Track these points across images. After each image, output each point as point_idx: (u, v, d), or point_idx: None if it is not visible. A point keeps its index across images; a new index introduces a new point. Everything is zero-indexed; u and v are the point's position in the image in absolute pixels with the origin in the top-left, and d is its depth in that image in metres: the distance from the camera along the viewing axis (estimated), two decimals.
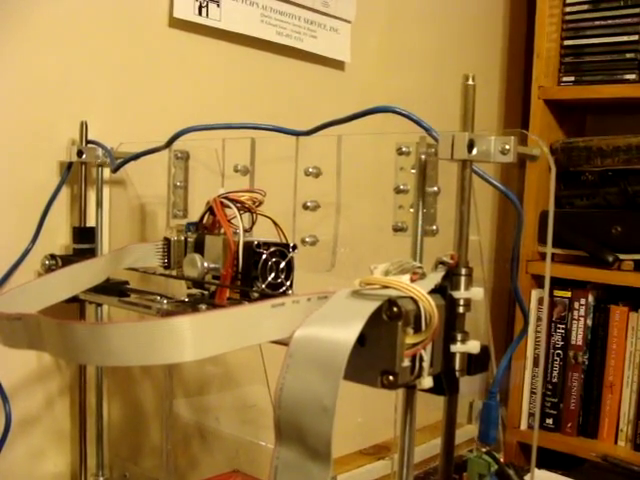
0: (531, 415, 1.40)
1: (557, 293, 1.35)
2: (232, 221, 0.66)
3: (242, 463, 0.94)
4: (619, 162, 1.27)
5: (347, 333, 0.40)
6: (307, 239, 0.69)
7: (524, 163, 1.34)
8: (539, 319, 1.38)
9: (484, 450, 0.64)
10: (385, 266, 0.46)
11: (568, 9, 1.37)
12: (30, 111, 0.79)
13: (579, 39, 1.36)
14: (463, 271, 0.48)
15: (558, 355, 1.36)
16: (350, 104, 1.14)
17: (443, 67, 1.34)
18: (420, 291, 0.43)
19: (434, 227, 0.55)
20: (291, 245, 0.65)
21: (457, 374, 0.47)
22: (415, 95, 1.28)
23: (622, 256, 1.28)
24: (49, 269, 0.78)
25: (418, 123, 0.54)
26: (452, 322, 0.47)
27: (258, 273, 0.62)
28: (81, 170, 0.82)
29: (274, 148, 0.73)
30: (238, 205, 0.66)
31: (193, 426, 0.96)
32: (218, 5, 0.95)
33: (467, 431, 0.96)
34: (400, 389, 0.46)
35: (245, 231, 0.65)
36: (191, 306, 0.63)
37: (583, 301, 1.33)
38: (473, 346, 0.47)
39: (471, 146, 0.48)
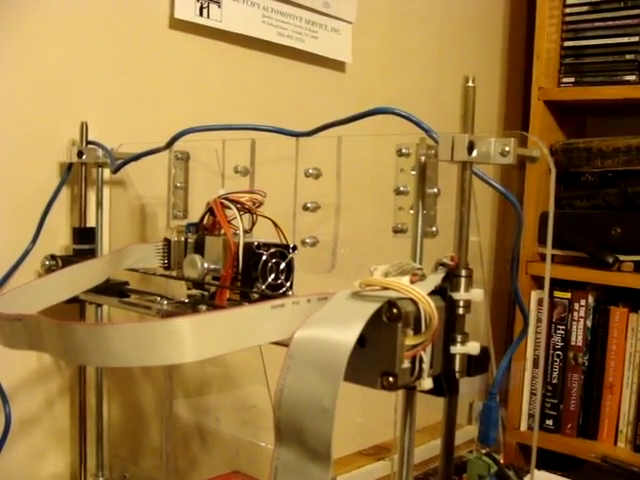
0: (531, 416, 1.40)
1: (557, 294, 1.35)
2: (232, 222, 0.66)
3: (242, 464, 0.94)
4: (619, 163, 1.27)
5: (347, 334, 0.40)
6: (307, 240, 0.69)
7: (524, 164, 1.34)
8: (539, 320, 1.38)
9: (484, 451, 0.64)
10: (385, 267, 0.46)
11: (568, 10, 1.37)
12: (30, 112, 0.79)
13: (579, 40, 1.36)
14: (463, 272, 0.48)
15: (558, 356, 1.36)
16: (350, 105, 1.14)
17: (443, 68, 1.34)
18: (420, 292, 0.43)
19: (434, 228, 0.55)
20: (291, 246, 0.65)
21: (457, 375, 0.48)
22: (415, 96, 1.28)
23: (622, 257, 1.28)
24: (49, 269, 0.78)
25: (418, 124, 0.55)
26: (452, 323, 0.47)
27: (258, 274, 0.62)
28: (81, 171, 0.82)
29: (274, 149, 0.73)
30: (238, 206, 0.66)
31: (193, 427, 0.96)
32: (219, 6, 0.95)
33: (467, 432, 0.96)
34: (400, 390, 0.46)
35: (245, 232, 0.65)
36: (191, 307, 0.63)
37: (583, 302, 1.33)
38: (473, 347, 0.47)
39: (471, 148, 0.48)
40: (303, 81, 1.10)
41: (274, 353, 0.49)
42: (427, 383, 0.45)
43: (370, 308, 0.41)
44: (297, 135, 0.67)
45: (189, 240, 0.69)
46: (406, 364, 0.42)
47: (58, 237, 0.82)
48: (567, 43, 1.37)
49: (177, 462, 0.93)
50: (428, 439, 1.04)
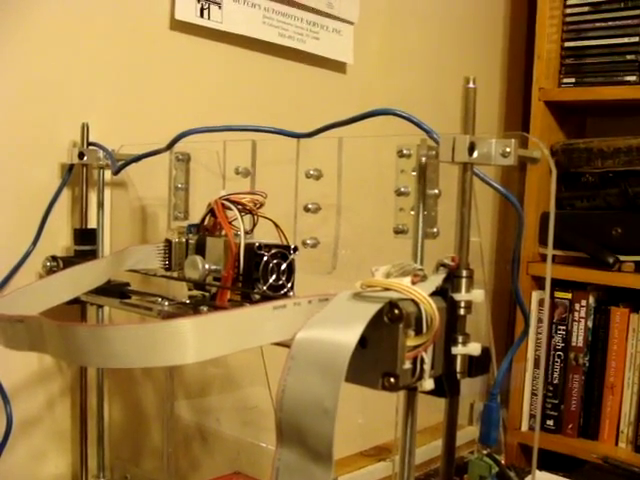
0: (532, 417, 1.40)
1: (558, 294, 1.35)
2: (233, 223, 0.66)
3: (243, 465, 0.94)
4: (619, 164, 1.27)
5: (348, 335, 0.40)
6: (308, 241, 0.69)
7: (524, 165, 1.34)
8: (540, 320, 1.38)
9: (485, 452, 0.64)
10: (386, 268, 0.46)
11: (569, 11, 1.37)
12: (31, 113, 0.79)
13: (580, 41, 1.36)
14: (464, 273, 0.48)
15: (559, 356, 1.36)
16: (351, 106, 1.14)
17: (444, 69, 1.34)
18: (421, 293, 0.43)
19: (435, 229, 0.55)
20: (292, 247, 0.65)
21: (458, 376, 0.48)
22: (416, 97, 1.28)
23: (623, 257, 1.28)
24: (50, 271, 0.79)
25: (419, 125, 0.55)
26: (453, 324, 0.47)
27: (259, 275, 0.62)
28: (82, 172, 0.82)
29: (275, 150, 0.73)
30: (239, 207, 0.66)
31: (194, 428, 0.97)
32: (220, 7, 0.95)
33: (468, 433, 0.96)
34: (401, 391, 0.46)
35: (246, 233, 0.65)
36: (192, 308, 0.63)
37: (584, 302, 1.33)
38: (474, 348, 0.47)
39: (472, 149, 0.48)
40: (304, 82, 1.10)
41: (275, 354, 0.49)
42: (428, 384, 0.45)
43: (371, 309, 0.42)
44: (298, 136, 0.67)
45: (190, 241, 0.69)
46: (407, 365, 0.42)
47: (59, 238, 0.82)
48: (568, 43, 1.37)
49: (178, 463, 0.93)
50: (429, 440, 1.04)
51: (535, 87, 1.37)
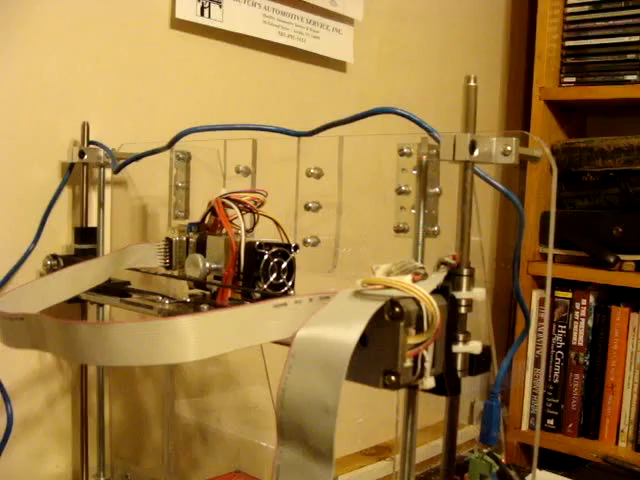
0: (532, 416, 1.40)
1: (558, 294, 1.35)
2: (234, 221, 0.66)
3: (243, 464, 0.94)
4: (620, 163, 1.27)
5: (349, 333, 0.40)
6: (309, 240, 0.69)
7: (525, 164, 1.34)
8: (540, 320, 1.38)
9: (486, 451, 0.64)
10: (387, 266, 0.46)
11: (569, 10, 1.37)
12: (32, 112, 0.79)
13: (580, 40, 1.36)
14: (465, 272, 0.48)
15: (559, 356, 1.36)
16: (351, 105, 1.14)
17: (444, 68, 1.34)
18: (422, 291, 0.43)
19: (435, 228, 0.55)
20: (293, 245, 0.65)
21: (459, 374, 0.47)
22: (416, 96, 1.28)
23: (623, 257, 1.28)
24: (51, 269, 0.79)
25: (420, 124, 0.55)
26: (454, 322, 0.47)
27: (260, 273, 0.62)
28: (83, 171, 0.82)
29: (276, 149, 0.73)
30: (240, 205, 0.66)
31: (194, 427, 0.97)
32: (220, 6, 0.95)
33: (468, 432, 0.97)
34: (402, 389, 0.46)
35: (247, 231, 0.65)
36: (193, 306, 0.63)
37: (584, 302, 1.33)
38: (475, 346, 0.47)
39: (473, 147, 0.48)
40: (304, 81, 1.10)
41: (275, 353, 0.49)
42: (429, 382, 0.45)
43: (372, 307, 0.42)
44: (299, 135, 0.67)
45: (191, 239, 0.69)
46: (408, 363, 0.43)
47: (60, 237, 0.82)
48: (568, 43, 1.37)
49: (179, 462, 0.93)
50: (429, 439, 1.04)
51: (536, 86, 1.37)
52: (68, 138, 0.82)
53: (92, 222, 0.83)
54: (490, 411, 0.58)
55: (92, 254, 0.81)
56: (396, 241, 0.58)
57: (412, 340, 0.42)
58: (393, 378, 0.42)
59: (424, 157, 0.54)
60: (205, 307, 0.61)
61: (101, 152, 0.81)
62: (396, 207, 0.58)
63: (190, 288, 0.68)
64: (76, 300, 0.71)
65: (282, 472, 0.42)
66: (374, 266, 0.47)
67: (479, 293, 0.48)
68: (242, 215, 0.65)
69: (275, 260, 0.63)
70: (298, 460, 0.41)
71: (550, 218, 0.61)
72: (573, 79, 1.37)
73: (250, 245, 0.63)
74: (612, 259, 1.27)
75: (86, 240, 0.82)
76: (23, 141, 0.79)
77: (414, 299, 0.43)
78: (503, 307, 1.50)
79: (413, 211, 0.56)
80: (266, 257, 0.62)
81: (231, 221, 0.65)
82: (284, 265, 0.64)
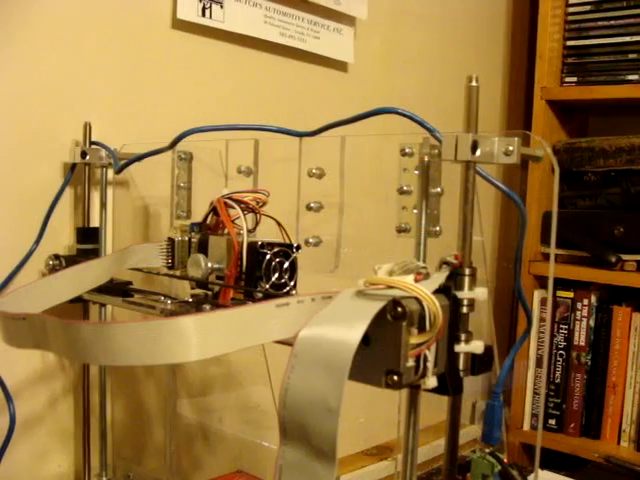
0: (534, 416, 1.40)
1: (560, 294, 1.35)
2: (236, 221, 0.66)
3: (245, 464, 0.95)
4: (622, 163, 1.27)
5: (352, 333, 0.40)
6: (310, 240, 0.69)
7: (526, 164, 1.34)
8: (542, 320, 1.38)
9: (488, 450, 0.64)
10: (389, 266, 0.46)
11: (571, 9, 1.37)
12: (34, 112, 0.79)
13: (582, 40, 1.36)
14: (467, 271, 0.48)
15: (561, 356, 1.36)
16: (353, 105, 1.14)
17: (446, 68, 1.34)
18: (424, 291, 0.43)
19: (437, 228, 0.55)
20: (295, 245, 0.65)
21: (461, 374, 0.48)
22: (418, 96, 1.28)
23: (625, 256, 1.27)
24: (53, 269, 0.79)
25: (422, 124, 0.55)
26: (456, 322, 0.47)
27: (262, 273, 0.62)
28: (85, 171, 0.82)
29: (277, 149, 0.73)
30: (242, 205, 0.66)
31: (196, 426, 0.97)
32: (221, 6, 0.95)
33: (470, 432, 0.96)
34: (404, 389, 0.46)
35: (249, 231, 0.65)
36: (195, 306, 0.63)
37: (586, 302, 1.33)
38: (477, 346, 0.48)
39: (475, 147, 0.48)
40: (306, 81, 1.10)
41: (277, 353, 0.49)
42: (431, 382, 0.45)
43: (375, 307, 0.42)
44: (300, 135, 0.67)
45: (193, 239, 0.69)
46: (411, 363, 0.43)
47: (62, 237, 0.83)
48: (570, 42, 1.37)
49: (181, 462, 0.93)
50: (431, 439, 1.04)
51: (537, 86, 1.37)
52: (70, 138, 0.82)
53: (94, 222, 0.83)
54: (492, 411, 0.58)
55: (94, 254, 0.81)
56: (398, 241, 0.58)
57: (414, 340, 0.42)
58: (395, 378, 0.42)
59: (426, 157, 0.54)
60: (207, 307, 0.61)
61: (103, 152, 0.81)
62: (398, 207, 0.58)
63: (192, 288, 0.68)
64: (78, 300, 0.71)
65: (285, 472, 0.42)
66: (376, 266, 0.47)
67: (481, 293, 0.48)
68: (244, 215, 0.65)
69: (277, 260, 0.63)
70: (301, 460, 0.41)
71: (552, 218, 0.61)
72: (574, 79, 1.37)
73: (252, 245, 0.63)
74: (614, 259, 1.27)
75: (88, 240, 0.82)
76: (25, 141, 0.79)
77: (416, 299, 0.43)
78: (504, 307, 1.50)
79: (415, 211, 0.56)
80: (268, 257, 0.62)
81: (233, 221, 0.66)
82: (286, 265, 0.64)
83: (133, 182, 0.88)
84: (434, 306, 0.43)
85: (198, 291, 0.67)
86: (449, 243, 0.51)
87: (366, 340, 0.42)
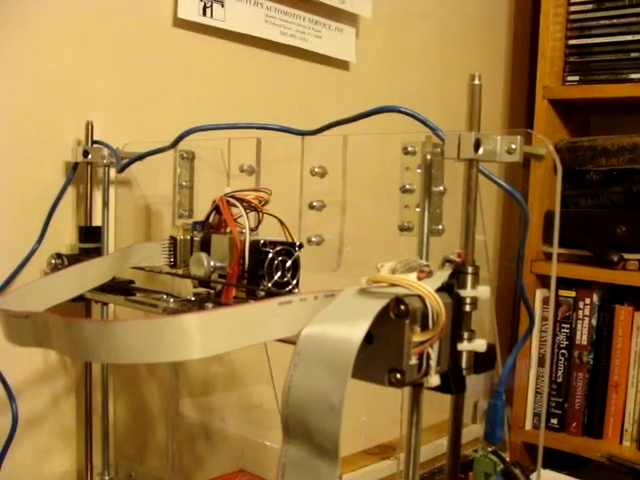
0: (536, 415, 1.40)
1: (562, 293, 1.35)
2: (238, 220, 0.66)
3: (247, 463, 0.94)
4: (624, 162, 1.27)
5: (354, 331, 0.40)
6: (313, 239, 0.69)
7: (528, 163, 1.34)
8: (544, 319, 1.37)
9: (490, 449, 0.64)
10: (392, 264, 0.46)
11: (573, 8, 1.36)
12: (35, 112, 0.79)
13: (584, 38, 1.36)
14: (470, 269, 0.48)
15: (563, 355, 1.36)
16: (354, 104, 1.14)
17: (447, 67, 1.34)
18: (428, 289, 0.43)
19: (440, 227, 0.55)
20: (297, 244, 0.65)
21: (464, 372, 0.47)
22: (419, 95, 1.28)
23: (627, 255, 1.27)
24: (55, 268, 0.79)
25: (424, 123, 0.55)
26: (459, 320, 0.47)
27: (264, 272, 0.62)
28: (87, 170, 0.82)
29: (280, 148, 0.73)
30: (244, 204, 0.66)
31: (199, 426, 0.97)
32: (222, 5, 0.95)
33: (472, 431, 0.97)
34: (406, 387, 0.46)
35: (251, 230, 0.65)
36: (197, 305, 0.63)
37: (588, 301, 1.33)
38: (479, 344, 0.47)
39: (477, 145, 0.48)
40: (307, 79, 1.10)
41: (279, 352, 0.49)
42: (434, 380, 0.45)
43: (377, 305, 0.42)
44: (303, 134, 0.67)
45: (195, 238, 0.69)
46: (413, 361, 0.42)
47: (64, 236, 0.83)
48: (572, 41, 1.37)
49: (183, 461, 0.93)
50: (433, 438, 1.04)
51: (539, 85, 1.37)
52: (72, 137, 0.82)
53: (96, 221, 0.83)
54: (495, 410, 0.58)
55: (96, 253, 0.81)
56: (400, 240, 0.58)
57: (417, 338, 0.42)
58: (398, 376, 0.42)
59: (428, 155, 0.54)
60: (210, 305, 0.62)
61: (105, 151, 0.81)
62: (400, 206, 0.58)
63: (194, 287, 0.68)
64: (80, 299, 0.71)
65: (288, 470, 0.42)
66: (379, 264, 0.47)
67: (484, 291, 0.48)
68: (246, 214, 0.65)
69: (280, 259, 0.63)
70: (304, 458, 0.41)
71: (555, 217, 0.61)
72: (577, 78, 1.37)
73: (255, 243, 0.63)
74: (616, 258, 1.27)
75: (90, 239, 0.82)
76: (27, 141, 0.79)
77: (419, 297, 0.43)
78: (506, 306, 1.50)
79: (417, 209, 0.56)
80: (270, 255, 0.62)
81: (235, 220, 0.65)
82: (289, 264, 0.64)
83: (135, 181, 0.88)
84: (437, 304, 0.43)
85: (200, 290, 0.67)
86: (451, 242, 0.51)
87: (369, 338, 0.42)
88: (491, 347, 0.49)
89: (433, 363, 0.44)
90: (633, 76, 1.31)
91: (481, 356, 0.48)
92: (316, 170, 0.69)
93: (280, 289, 0.63)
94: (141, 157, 0.75)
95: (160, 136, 0.74)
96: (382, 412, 0.88)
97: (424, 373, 0.44)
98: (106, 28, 0.85)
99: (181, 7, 0.90)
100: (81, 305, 0.81)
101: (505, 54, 1.52)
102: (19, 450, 0.79)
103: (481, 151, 0.48)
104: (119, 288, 0.71)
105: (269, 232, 0.67)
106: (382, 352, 0.42)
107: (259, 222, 0.68)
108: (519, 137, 0.48)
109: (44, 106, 0.80)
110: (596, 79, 1.35)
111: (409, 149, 0.57)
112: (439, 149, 0.54)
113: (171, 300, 0.65)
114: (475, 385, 0.52)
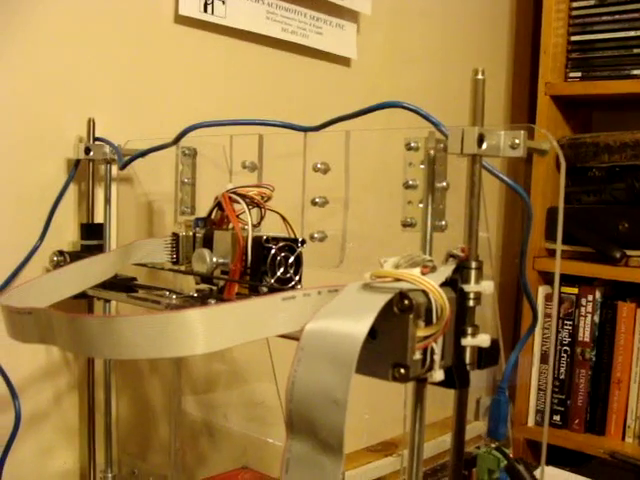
0: (538, 412, 1.39)
1: (564, 289, 1.35)
2: (241, 216, 0.65)
3: (250, 460, 0.95)
4: (626, 158, 1.27)
5: (358, 326, 0.40)
6: (315, 235, 0.69)
7: (530, 159, 1.34)
8: (546, 315, 1.37)
9: (493, 446, 0.64)
10: (396, 259, 0.46)
11: (575, 4, 1.36)
12: (37, 109, 0.79)
13: (586, 34, 1.35)
14: (473, 264, 0.48)
15: (565, 351, 1.36)
16: (356, 100, 1.14)
17: (449, 63, 1.34)
18: (432, 284, 0.43)
19: (443, 222, 0.55)
20: (300, 240, 0.65)
21: (468, 367, 0.47)
22: (421, 91, 1.28)
23: (629, 252, 1.27)
24: (57, 265, 0.79)
25: (427, 118, 0.54)
26: (462, 315, 0.47)
27: (267, 268, 0.62)
28: (89, 167, 0.82)
29: (282, 144, 0.73)
30: (247, 200, 0.65)
31: (201, 423, 0.97)
32: (223, 2, 0.95)
33: (474, 428, 0.96)
34: (410, 383, 0.46)
35: (254, 226, 0.65)
36: (200, 301, 0.63)
37: (590, 297, 1.33)
38: (483, 340, 0.47)
39: (481, 140, 0.48)
40: (309, 76, 1.10)
41: (282, 349, 0.48)
42: (438, 375, 0.44)
43: (381, 300, 0.41)
44: (305, 130, 0.66)
45: (197, 234, 0.69)
46: (417, 355, 0.42)
47: (66, 233, 0.83)
48: (574, 37, 1.37)
49: (185, 458, 0.93)
50: (436, 435, 1.04)
51: (541, 81, 1.37)
52: (74, 134, 0.82)
53: (98, 218, 0.83)
54: (498, 406, 0.58)
55: (98, 250, 0.81)
56: (403, 235, 0.58)
57: (421, 332, 0.42)
58: (402, 371, 0.42)
59: (431, 151, 0.54)
60: (213, 302, 0.61)
61: (107, 148, 0.81)
62: (403, 201, 0.58)
63: (197, 283, 0.68)
64: (82, 296, 0.70)
65: (292, 465, 0.42)
66: (382, 259, 0.47)
67: (487, 286, 0.48)
68: (249, 210, 0.65)
69: (282, 255, 0.63)
70: (308, 453, 0.41)
71: (558, 213, 0.61)
72: (579, 74, 1.36)
73: (257, 240, 0.63)
74: (618, 254, 1.27)
75: (92, 236, 0.82)
76: (29, 138, 0.79)
77: (423, 291, 0.43)
78: (508, 303, 1.50)
79: (420, 205, 0.56)
80: (273, 252, 0.62)
81: (238, 216, 0.65)
82: (291, 260, 0.64)
83: (137, 178, 0.88)
84: (441, 299, 0.42)
85: (203, 286, 0.67)
86: (454, 238, 0.51)
87: (373, 333, 0.41)
88: (495, 342, 0.48)
89: (437, 358, 0.44)
90: (635, 72, 1.31)
91: (485, 351, 0.48)
92: (318, 166, 0.68)
93: (283, 285, 0.63)
94: (143, 154, 0.75)
95: (162, 133, 0.74)
96: (385, 409, 0.88)
97: (428, 368, 0.44)
98: (108, 25, 0.84)
99: (182, 4, 0.90)
100: (83, 302, 0.81)
101: (507, 50, 1.52)
102: (22, 448, 0.79)
103: (484, 146, 0.48)
104: (121, 285, 0.71)
105: (272, 228, 0.67)
106: (386, 347, 0.42)
107: (261, 218, 0.67)
108: (523, 132, 0.48)
109: (46, 103, 0.80)
110: (598, 75, 1.34)
111: (412, 145, 0.57)
112: (442, 144, 0.53)
113: (174, 297, 0.64)
114: (478, 382, 0.52)
